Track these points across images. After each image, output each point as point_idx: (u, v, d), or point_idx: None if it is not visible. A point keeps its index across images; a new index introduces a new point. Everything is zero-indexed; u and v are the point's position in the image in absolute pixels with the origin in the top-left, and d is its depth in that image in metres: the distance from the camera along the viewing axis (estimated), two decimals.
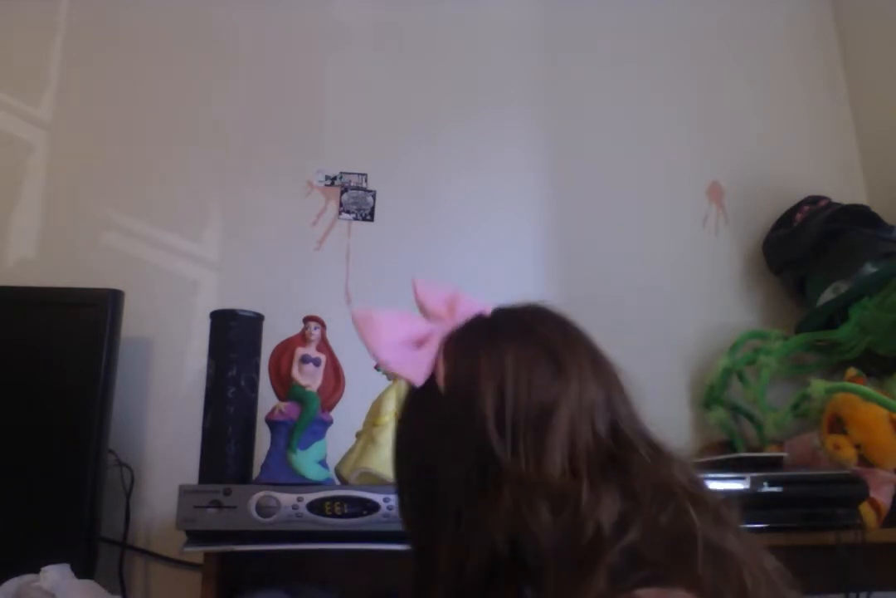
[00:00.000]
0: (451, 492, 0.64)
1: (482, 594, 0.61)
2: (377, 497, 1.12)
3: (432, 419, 0.69)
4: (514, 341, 0.69)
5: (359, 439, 1.26)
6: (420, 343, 0.71)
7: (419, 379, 0.69)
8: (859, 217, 1.70)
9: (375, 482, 1.18)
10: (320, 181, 1.72)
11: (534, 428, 0.64)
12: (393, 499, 1.12)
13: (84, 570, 1.21)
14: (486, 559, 0.61)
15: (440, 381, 0.68)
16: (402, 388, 1.27)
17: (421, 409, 0.72)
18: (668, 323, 1.72)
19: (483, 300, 0.77)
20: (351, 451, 1.24)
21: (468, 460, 0.64)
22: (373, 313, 0.72)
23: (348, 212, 1.71)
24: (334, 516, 1.10)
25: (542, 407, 0.64)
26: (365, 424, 1.27)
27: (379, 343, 0.70)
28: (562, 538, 0.58)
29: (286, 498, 1.10)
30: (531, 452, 0.63)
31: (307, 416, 1.20)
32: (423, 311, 0.77)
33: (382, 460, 1.19)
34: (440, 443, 0.67)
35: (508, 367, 0.66)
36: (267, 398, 1.27)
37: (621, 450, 0.65)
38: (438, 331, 0.72)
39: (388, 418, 1.23)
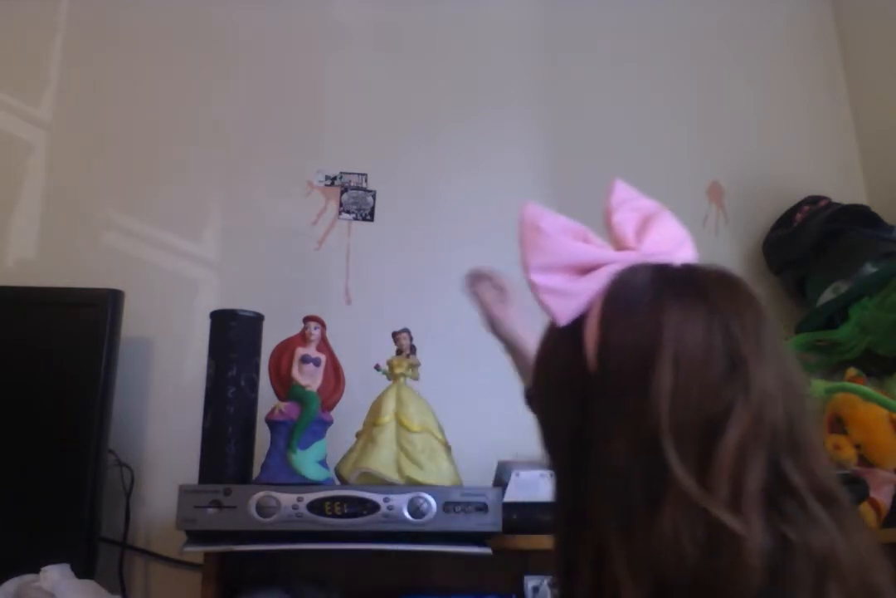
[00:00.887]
0: (609, 484, 0.54)
1: None
2: (377, 497, 1.12)
3: (582, 383, 0.57)
4: (698, 311, 0.56)
5: (359, 438, 1.26)
6: (584, 271, 0.59)
7: (564, 318, 0.58)
8: (859, 217, 1.70)
9: (375, 482, 1.18)
10: (320, 181, 1.72)
11: (702, 437, 0.52)
12: (393, 499, 1.12)
13: (84, 570, 1.22)
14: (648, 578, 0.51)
15: (592, 334, 0.57)
16: (404, 388, 1.27)
17: (569, 369, 0.59)
18: None
19: (681, 232, 0.66)
20: (351, 451, 1.24)
21: (627, 448, 0.53)
22: (543, 221, 0.60)
23: (348, 212, 1.71)
24: (334, 516, 1.10)
25: (716, 411, 0.53)
26: (365, 424, 1.27)
27: (534, 260, 0.58)
28: (704, 570, 0.49)
29: (286, 498, 1.10)
30: (696, 466, 0.52)
31: (307, 416, 1.20)
32: (608, 224, 0.64)
33: (382, 460, 1.19)
34: (600, 420, 0.55)
35: (696, 343, 0.54)
36: (267, 398, 1.27)
37: (785, 495, 0.53)
38: (613, 263, 0.59)
39: (387, 418, 1.22)
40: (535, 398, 0.65)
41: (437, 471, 1.19)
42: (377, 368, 1.30)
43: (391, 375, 1.29)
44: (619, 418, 0.54)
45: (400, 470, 1.18)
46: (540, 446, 0.64)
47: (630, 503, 0.52)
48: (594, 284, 0.58)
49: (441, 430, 1.26)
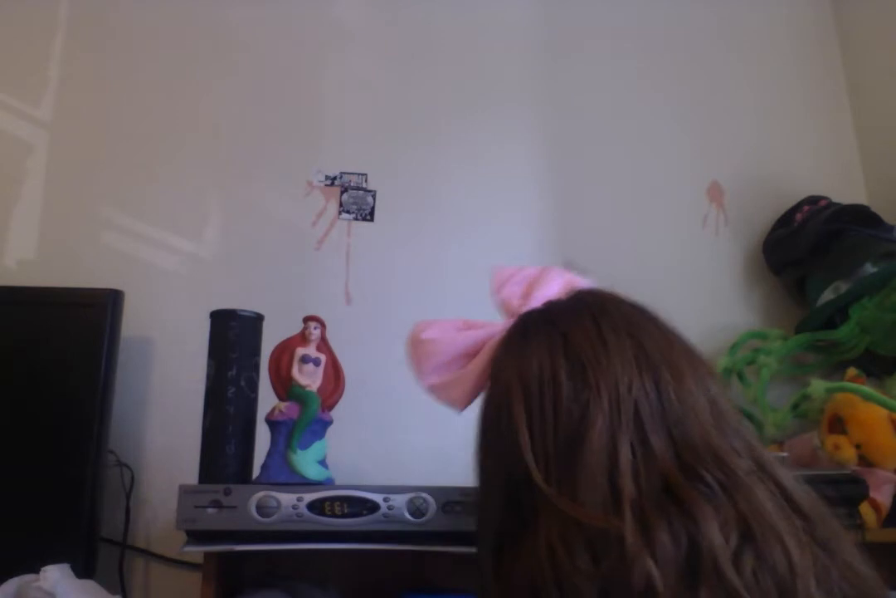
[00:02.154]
0: (491, 519, 0.59)
1: None
2: (377, 497, 1.12)
3: (480, 434, 0.62)
4: (540, 342, 0.59)
5: None
6: (471, 355, 0.64)
7: (461, 404, 0.63)
8: (859, 217, 1.70)
9: None
10: (320, 181, 1.72)
11: (566, 451, 0.54)
12: (393, 499, 1.12)
13: (84, 570, 1.22)
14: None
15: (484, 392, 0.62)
16: None
17: (479, 423, 0.63)
18: None
19: (564, 281, 0.68)
20: None
21: (505, 485, 0.57)
22: (424, 332, 0.66)
23: (348, 212, 1.71)
24: (334, 516, 1.10)
25: (572, 423, 0.54)
26: None
27: (423, 368, 0.65)
28: (609, 593, 0.48)
29: (286, 498, 1.10)
30: (564, 480, 0.53)
31: (307, 416, 1.20)
32: (497, 304, 0.69)
33: None
34: (484, 462, 0.61)
35: (534, 374, 0.57)
36: (267, 398, 1.27)
37: (684, 471, 0.52)
38: (491, 337, 0.64)
39: None
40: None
41: None
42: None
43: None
44: (492, 460, 0.60)
45: None
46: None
47: (513, 533, 0.56)
48: (480, 361, 0.63)
49: None
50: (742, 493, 0.51)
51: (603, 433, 0.53)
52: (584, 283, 0.68)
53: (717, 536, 0.48)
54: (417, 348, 0.65)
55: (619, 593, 0.47)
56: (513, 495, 0.56)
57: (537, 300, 0.65)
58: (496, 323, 0.66)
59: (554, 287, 0.67)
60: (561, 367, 0.56)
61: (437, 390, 0.64)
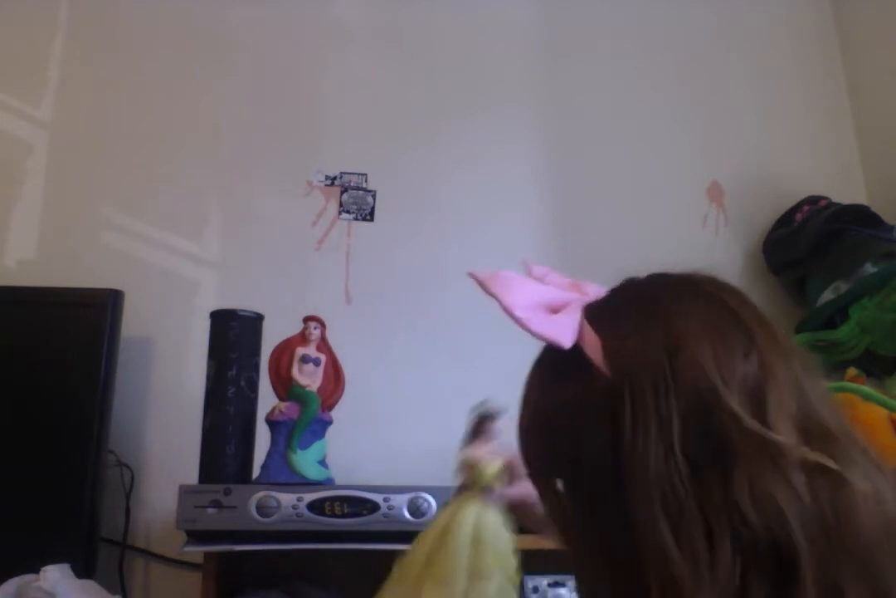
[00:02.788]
0: (655, 477, 0.52)
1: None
2: (377, 497, 1.12)
3: (594, 400, 0.56)
4: (695, 304, 0.58)
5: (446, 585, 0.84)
6: (556, 310, 0.60)
7: (567, 341, 0.57)
8: (859, 217, 1.70)
9: None
10: (320, 181, 1.72)
11: (753, 394, 0.54)
12: (393, 499, 1.12)
13: (84, 570, 1.22)
14: (734, 551, 0.49)
15: (595, 349, 0.57)
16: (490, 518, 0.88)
17: (577, 390, 0.58)
18: None
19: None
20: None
21: (688, 430, 0.52)
22: (502, 272, 0.62)
23: (348, 212, 1.71)
24: (334, 516, 1.10)
25: (751, 371, 0.54)
26: (454, 565, 0.84)
27: (514, 299, 0.59)
28: (820, 514, 0.50)
29: (286, 498, 1.10)
30: (758, 427, 0.52)
31: (307, 416, 1.20)
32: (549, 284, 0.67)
33: None
34: (641, 419, 0.54)
35: (701, 334, 0.56)
36: (267, 398, 1.27)
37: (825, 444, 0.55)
38: (576, 300, 0.61)
39: (494, 567, 0.86)
40: (550, 447, 0.61)
41: None
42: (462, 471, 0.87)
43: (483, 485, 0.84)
44: (657, 408, 0.53)
45: None
46: (546, 506, 0.62)
47: (689, 481, 0.52)
48: (573, 316, 0.59)
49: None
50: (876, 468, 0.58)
51: (779, 388, 0.54)
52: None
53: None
54: (499, 282, 0.61)
55: (855, 538, 0.49)
56: (695, 430, 0.53)
57: (594, 292, 0.64)
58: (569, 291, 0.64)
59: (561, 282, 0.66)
60: (727, 323, 0.57)
61: (535, 324, 0.58)
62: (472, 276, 0.63)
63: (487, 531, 0.85)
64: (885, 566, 0.50)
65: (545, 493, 0.63)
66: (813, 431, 0.55)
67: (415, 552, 0.88)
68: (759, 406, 0.53)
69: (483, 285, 0.61)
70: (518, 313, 0.58)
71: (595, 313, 0.60)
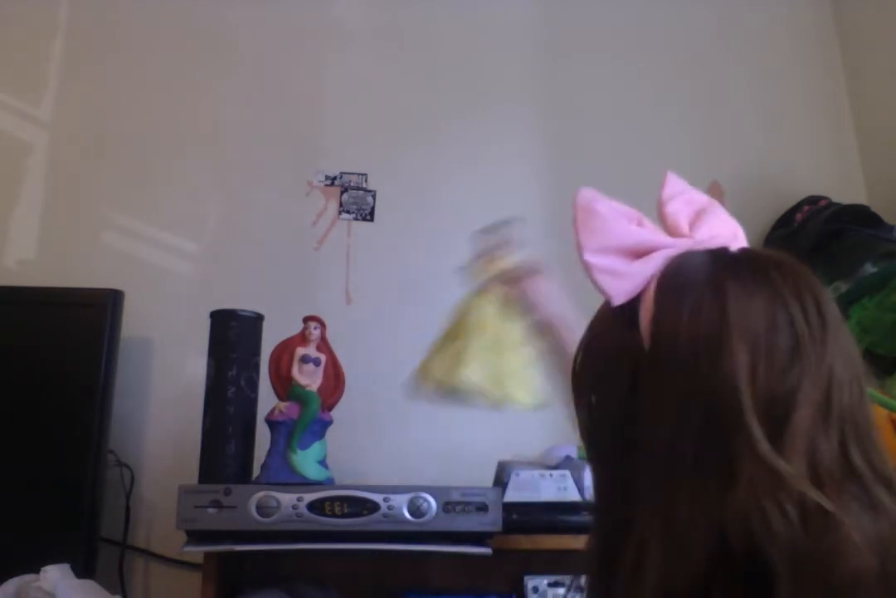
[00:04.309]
0: (668, 461, 0.52)
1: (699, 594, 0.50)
2: (377, 497, 1.12)
3: (639, 365, 0.56)
4: (763, 294, 0.55)
5: (446, 342, 1.04)
6: (638, 255, 0.59)
7: (619, 297, 0.57)
8: (859, 217, 1.70)
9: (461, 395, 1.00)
10: (320, 181, 1.72)
11: (775, 415, 0.52)
12: (393, 499, 1.12)
13: (84, 570, 1.22)
14: (710, 551, 0.50)
15: (646, 313, 0.56)
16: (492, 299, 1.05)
17: (621, 346, 0.58)
18: None
19: (735, 225, 0.65)
20: (438, 355, 1.03)
21: (698, 428, 0.52)
22: (598, 203, 0.61)
23: (348, 212, 1.71)
24: (334, 516, 1.10)
25: (780, 392, 0.52)
26: (451, 331, 1.04)
27: (588, 241, 0.58)
28: (807, 550, 0.48)
29: (286, 498, 1.10)
30: (772, 444, 0.51)
31: (307, 416, 1.20)
32: (661, 214, 0.64)
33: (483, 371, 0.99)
34: (653, 397, 0.54)
35: (759, 328, 0.53)
36: (267, 398, 1.27)
37: (850, 479, 0.52)
38: (668, 248, 0.59)
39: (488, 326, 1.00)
40: (580, 380, 0.64)
41: (533, 391, 1.02)
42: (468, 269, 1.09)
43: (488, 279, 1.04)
44: (677, 395, 0.53)
45: (501, 387, 1.01)
46: (580, 432, 0.63)
47: (697, 475, 0.52)
48: (649, 267, 0.58)
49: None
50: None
51: (812, 413, 0.52)
52: (741, 234, 0.66)
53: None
54: (586, 217, 0.60)
55: (836, 572, 0.48)
56: (704, 442, 0.52)
57: (705, 235, 0.62)
58: (664, 235, 0.62)
59: (723, 229, 0.64)
60: (782, 329, 0.54)
61: (597, 272, 0.57)
62: (575, 194, 0.61)
63: (508, 313, 0.98)
64: None
65: (578, 406, 0.63)
66: (828, 464, 0.52)
67: (449, 328, 1.02)
68: (778, 425, 0.52)
69: (574, 216, 0.60)
70: (586, 256, 0.58)
71: (671, 274, 0.57)
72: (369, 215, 1.71)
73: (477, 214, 1.73)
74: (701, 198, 0.66)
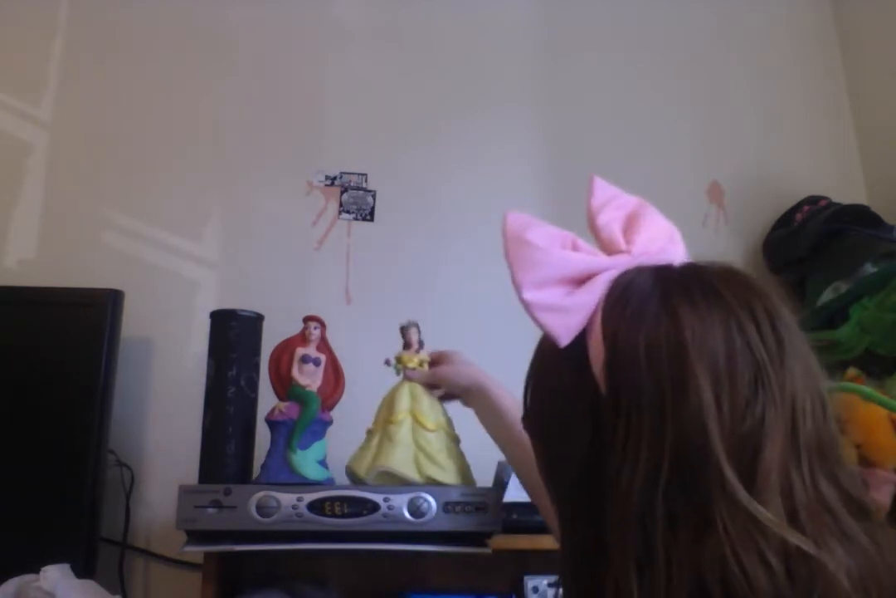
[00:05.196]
0: (639, 510, 0.49)
1: None
2: (377, 497, 1.12)
3: (589, 406, 0.53)
4: (718, 316, 0.52)
5: (371, 436, 1.19)
6: (579, 282, 0.54)
7: (565, 337, 0.53)
8: (859, 217, 1.70)
9: (394, 482, 1.14)
10: (320, 181, 1.72)
11: (744, 454, 0.49)
12: (393, 499, 1.12)
13: (84, 570, 1.22)
14: None
15: (597, 351, 0.52)
16: (416, 388, 1.19)
17: (576, 392, 0.54)
18: None
19: (669, 226, 0.63)
20: (364, 448, 1.18)
21: (668, 476, 0.49)
22: (529, 231, 0.56)
23: (348, 212, 1.71)
24: (334, 516, 1.10)
25: (746, 427, 0.49)
26: (377, 422, 1.21)
27: (525, 277, 0.54)
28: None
29: (286, 498, 1.10)
30: (743, 482, 0.48)
31: (307, 416, 1.20)
32: (593, 227, 0.60)
33: (401, 459, 1.13)
34: (615, 442, 0.51)
35: (718, 356, 0.50)
36: (267, 398, 1.27)
37: (821, 510, 0.50)
38: (607, 270, 0.55)
39: (403, 416, 1.16)
40: (534, 426, 0.61)
41: (455, 471, 1.15)
42: (387, 363, 1.24)
43: (402, 370, 1.22)
44: (640, 438, 0.50)
45: (420, 469, 1.14)
46: (543, 476, 0.61)
47: (663, 528, 0.49)
48: (592, 296, 0.54)
49: (452, 425, 1.21)
50: (882, 544, 0.50)
51: (782, 446, 0.49)
52: (677, 235, 0.63)
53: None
54: (518, 249, 0.55)
55: None
56: (664, 483, 0.49)
57: (642, 245, 0.58)
58: (602, 255, 0.58)
59: (659, 232, 0.61)
60: (741, 354, 0.51)
61: (538, 311, 0.53)
62: (504, 222, 0.56)
63: (418, 393, 1.18)
64: None
65: (535, 449, 0.61)
66: (801, 497, 0.49)
67: (373, 423, 1.21)
68: (749, 464, 0.49)
69: (505, 246, 0.56)
70: (525, 294, 0.53)
71: (617, 305, 0.54)
72: (369, 215, 1.71)
73: (477, 214, 1.75)
74: (630, 200, 0.64)
